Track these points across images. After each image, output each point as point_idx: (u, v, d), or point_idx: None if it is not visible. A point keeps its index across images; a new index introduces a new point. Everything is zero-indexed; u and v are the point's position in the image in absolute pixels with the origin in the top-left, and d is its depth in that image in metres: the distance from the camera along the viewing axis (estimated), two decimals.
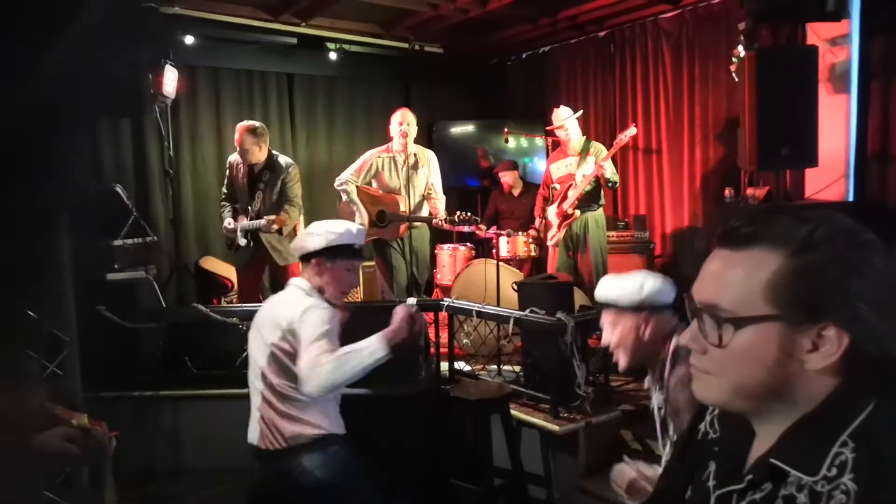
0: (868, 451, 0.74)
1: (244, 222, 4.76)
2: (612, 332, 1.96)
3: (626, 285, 1.95)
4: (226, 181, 5.00)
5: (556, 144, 5.52)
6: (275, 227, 4.65)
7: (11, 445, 1.39)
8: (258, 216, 4.75)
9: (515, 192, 6.07)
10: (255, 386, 2.45)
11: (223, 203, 4.95)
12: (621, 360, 1.97)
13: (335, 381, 2.22)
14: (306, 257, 2.48)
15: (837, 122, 4.54)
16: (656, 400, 1.96)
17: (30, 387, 2.65)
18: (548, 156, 6.02)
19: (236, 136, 4.79)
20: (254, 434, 2.42)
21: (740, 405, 0.86)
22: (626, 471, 1.83)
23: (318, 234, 2.46)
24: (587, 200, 4.96)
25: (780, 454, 0.80)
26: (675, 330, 1.91)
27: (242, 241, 4.77)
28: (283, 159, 4.87)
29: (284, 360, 2.34)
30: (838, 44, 4.54)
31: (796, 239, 0.81)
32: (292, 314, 2.34)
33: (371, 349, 2.23)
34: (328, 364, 2.20)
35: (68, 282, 3.07)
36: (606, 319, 1.99)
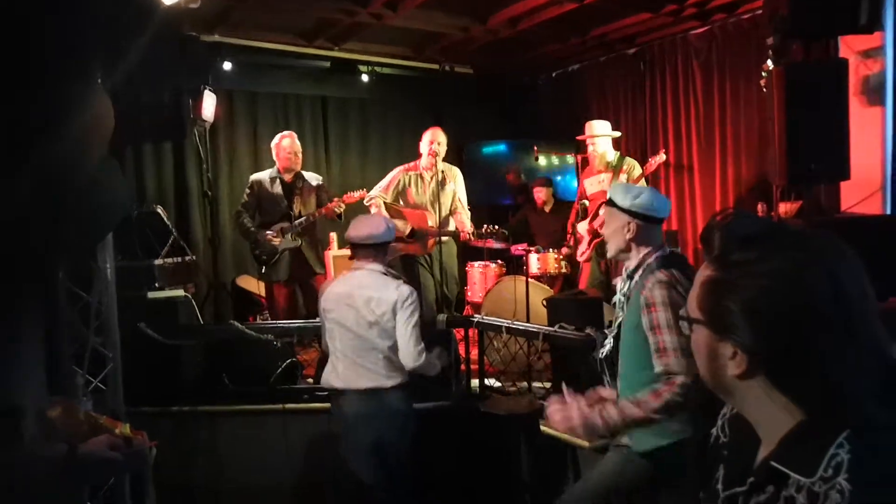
0: (863, 451, 0.77)
1: (294, 223, 5.00)
2: (606, 226, 2.31)
3: (627, 190, 2.25)
4: (248, 199, 5.13)
5: (586, 161, 5.52)
6: (340, 208, 4.95)
7: (61, 454, 1.46)
8: (299, 217, 5.02)
9: (547, 209, 6.10)
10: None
11: (245, 219, 5.08)
12: (608, 249, 2.33)
13: None
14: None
15: (873, 135, 4.47)
16: (619, 290, 2.30)
17: (77, 397, 2.76)
18: (577, 173, 6.04)
19: (286, 143, 5.06)
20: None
21: (718, 394, 0.94)
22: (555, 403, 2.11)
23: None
24: None
25: (780, 457, 0.83)
26: (661, 245, 2.23)
27: (293, 243, 4.93)
28: (309, 173, 5.26)
29: None
30: (872, 56, 4.48)
31: (717, 254, 0.88)
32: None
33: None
34: None
35: (113, 299, 3.19)
36: (605, 212, 2.33)
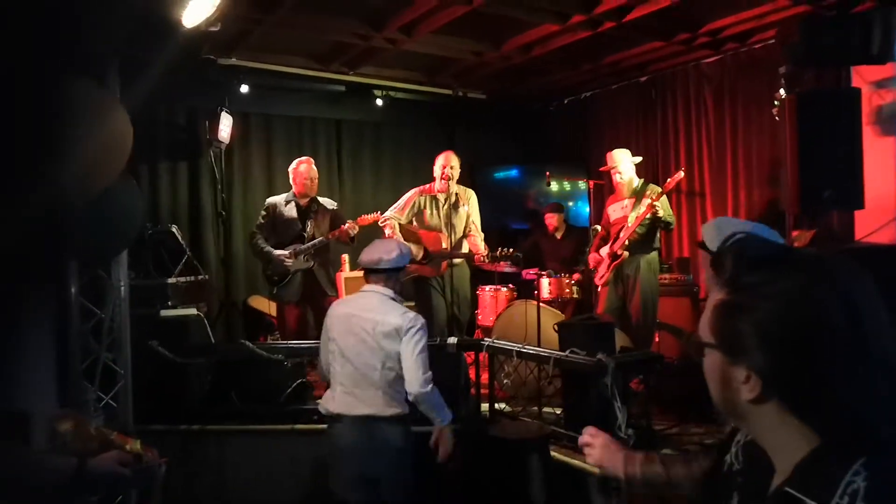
0: (880, 478, 0.76)
1: (307, 244, 5.02)
2: (704, 271, 1.96)
3: (719, 229, 1.84)
4: (263, 221, 5.15)
5: (601, 187, 5.51)
6: (354, 230, 4.95)
7: (70, 467, 1.46)
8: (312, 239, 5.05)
9: (558, 235, 6.12)
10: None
11: (259, 240, 5.10)
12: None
13: None
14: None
15: (887, 165, 4.46)
16: None
17: (87, 412, 2.77)
18: (589, 199, 6.04)
19: (303, 168, 5.11)
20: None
21: (731, 419, 0.94)
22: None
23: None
24: (641, 243, 4.86)
25: (795, 484, 0.82)
26: None
27: (305, 265, 4.96)
28: (325, 198, 5.30)
29: None
30: (884, 86, 4.49)
31: (728, 277, 0.87)
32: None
33: None
34: None
35: (126, 316, 3.22)
36: (701, 256, 1.97)
